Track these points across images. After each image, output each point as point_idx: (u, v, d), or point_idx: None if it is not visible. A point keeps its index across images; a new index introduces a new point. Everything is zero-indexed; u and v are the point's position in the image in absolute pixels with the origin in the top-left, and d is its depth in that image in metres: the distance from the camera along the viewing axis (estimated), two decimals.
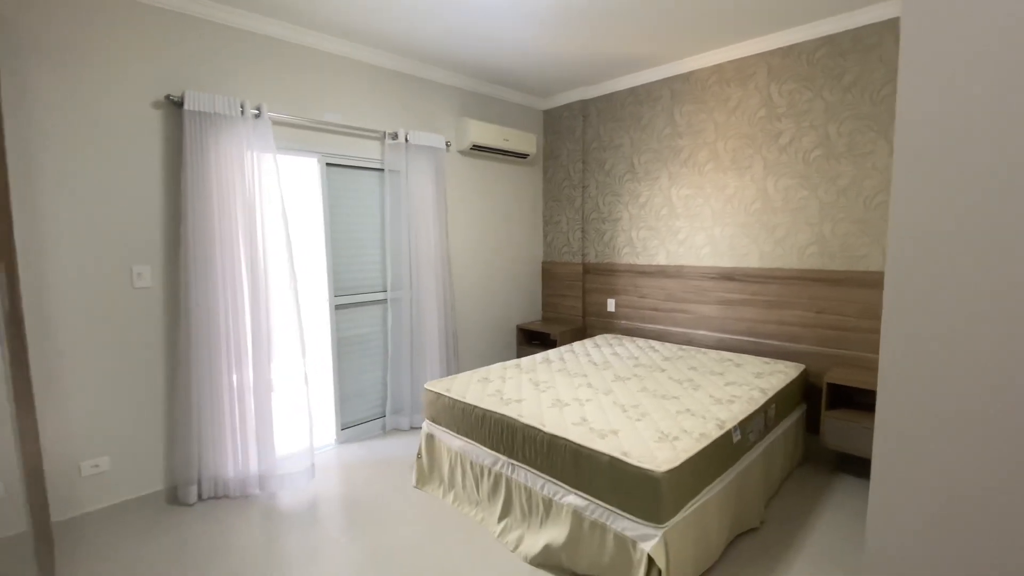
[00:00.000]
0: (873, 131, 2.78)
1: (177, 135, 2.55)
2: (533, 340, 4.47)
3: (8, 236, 1.93)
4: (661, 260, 3.80)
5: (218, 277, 2.56)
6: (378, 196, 3.46)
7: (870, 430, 2.56)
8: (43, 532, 1.97)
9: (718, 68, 3.38)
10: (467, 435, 2.47)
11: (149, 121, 2.47)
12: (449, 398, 2.57)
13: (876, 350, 2.84)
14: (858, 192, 2.86)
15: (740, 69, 3.27)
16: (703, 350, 3.39)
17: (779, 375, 2.78)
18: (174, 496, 2.61)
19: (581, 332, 4.32)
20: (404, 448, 3.27)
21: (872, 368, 2.85)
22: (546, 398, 2.45)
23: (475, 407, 2.42)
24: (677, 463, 1.78)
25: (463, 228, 3.99)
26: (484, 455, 2.37)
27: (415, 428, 3.58)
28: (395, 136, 3.37)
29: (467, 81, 3.84)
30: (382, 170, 3.45)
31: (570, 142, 4.31)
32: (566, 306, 4.48)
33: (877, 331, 2.81)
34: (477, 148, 3.84)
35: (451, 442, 2.56)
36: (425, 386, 2.76)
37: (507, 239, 4.34)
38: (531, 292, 4.61)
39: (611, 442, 1.93)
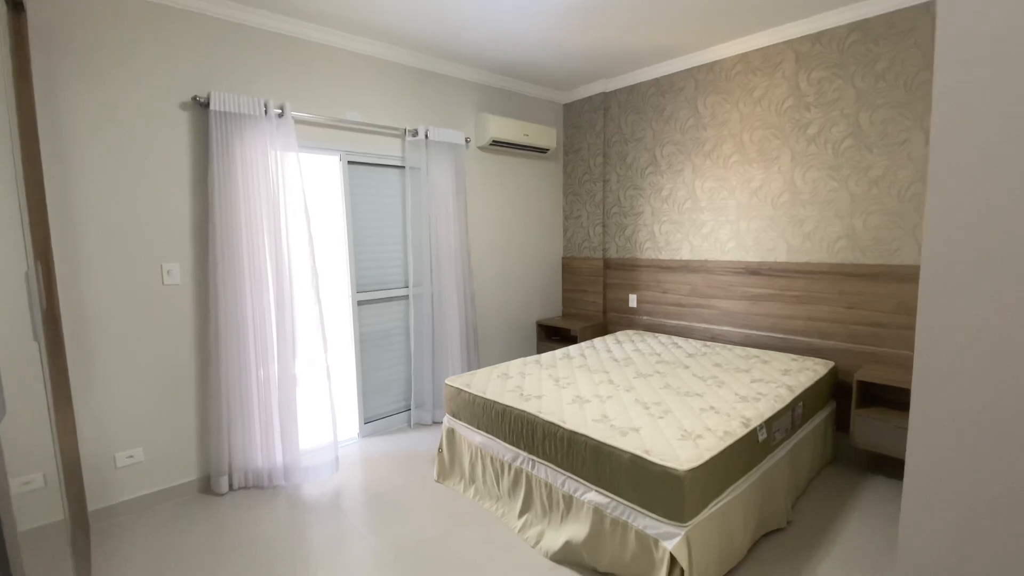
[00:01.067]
0: (908, 119, 2.67)
1: (203, 135, 2.60)
2: (553, 336, 4.45)
3: (45, 236, 2.00)
4: (684, 255, 3.74)
5: (244, 274, 2.61)
6: (399, 193, 3.48)
7: (902, 429, 2.47)
8: (80, 520, 2.05)
9: (743, 57, 3.29)
10: (487, 430, 2.47)
11: (177, 122, 2.53)
12: (469, 393, 2.58)
13: (910, 347, 2.74)
14: (891, 183, 2.75)
15: (766, 58, 3.18)
16: (728, 346, 3.33)
17: (807, 372, 2.71)
18: (206, 486, 2.69)
19: (602, 328, 4.28)
20: (426, 442, 3.30)
21: (905, 365, 2.75)
22: (566, 394, 2.44)
23: (495, 403, 2.42)
24: (700, 461, 1.75)
25: (483, 224, 3.99)
26: (504, 451, 2.37)
27: (437, 423, 3.61)
28: (415, 133, 3.39)
29: (486, 76, 3.83)
30: (403, 167, 3.47)
31: (591, 136, 4.26)
32: (586, 302, 4.44)
33: (911, 327, 2.71)
34: (497, 143, 3.83)
35: (472, 437, 2.57)
36: (445, 381, 2.77)
37: (527, 234, 4.33)
38: (551, 288, 4.59)
39: (632, 440, 1.91)
